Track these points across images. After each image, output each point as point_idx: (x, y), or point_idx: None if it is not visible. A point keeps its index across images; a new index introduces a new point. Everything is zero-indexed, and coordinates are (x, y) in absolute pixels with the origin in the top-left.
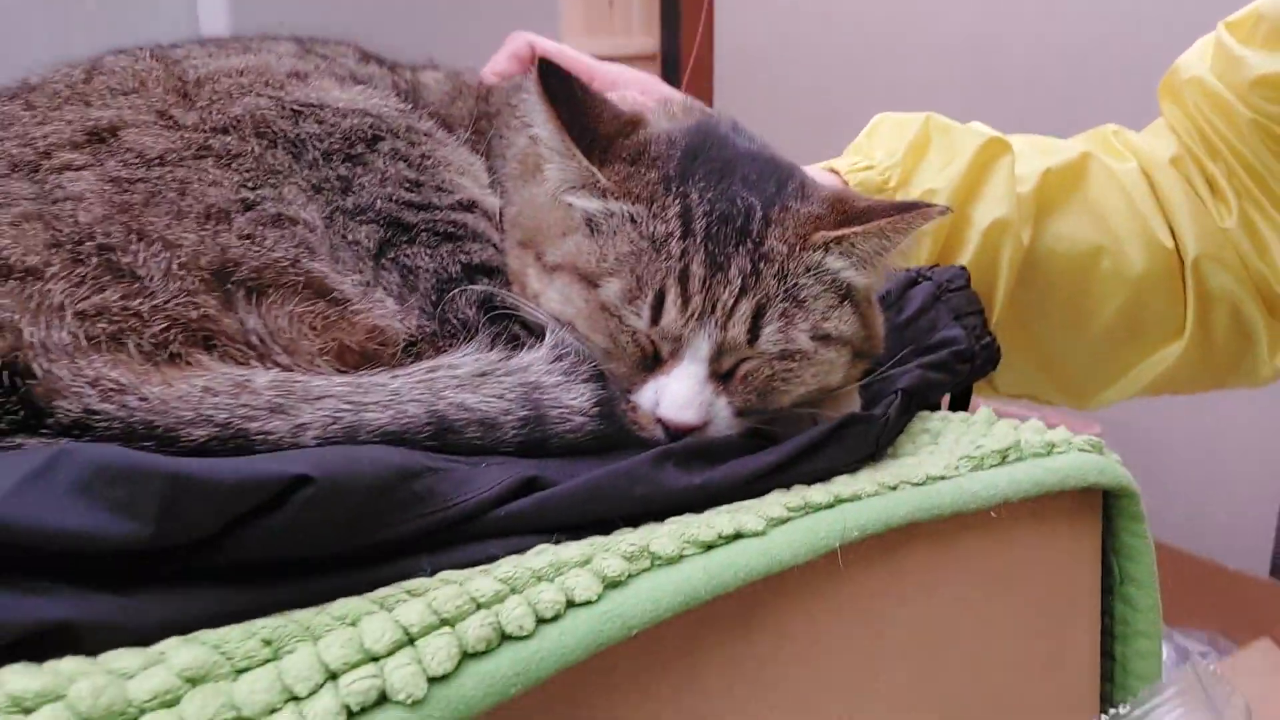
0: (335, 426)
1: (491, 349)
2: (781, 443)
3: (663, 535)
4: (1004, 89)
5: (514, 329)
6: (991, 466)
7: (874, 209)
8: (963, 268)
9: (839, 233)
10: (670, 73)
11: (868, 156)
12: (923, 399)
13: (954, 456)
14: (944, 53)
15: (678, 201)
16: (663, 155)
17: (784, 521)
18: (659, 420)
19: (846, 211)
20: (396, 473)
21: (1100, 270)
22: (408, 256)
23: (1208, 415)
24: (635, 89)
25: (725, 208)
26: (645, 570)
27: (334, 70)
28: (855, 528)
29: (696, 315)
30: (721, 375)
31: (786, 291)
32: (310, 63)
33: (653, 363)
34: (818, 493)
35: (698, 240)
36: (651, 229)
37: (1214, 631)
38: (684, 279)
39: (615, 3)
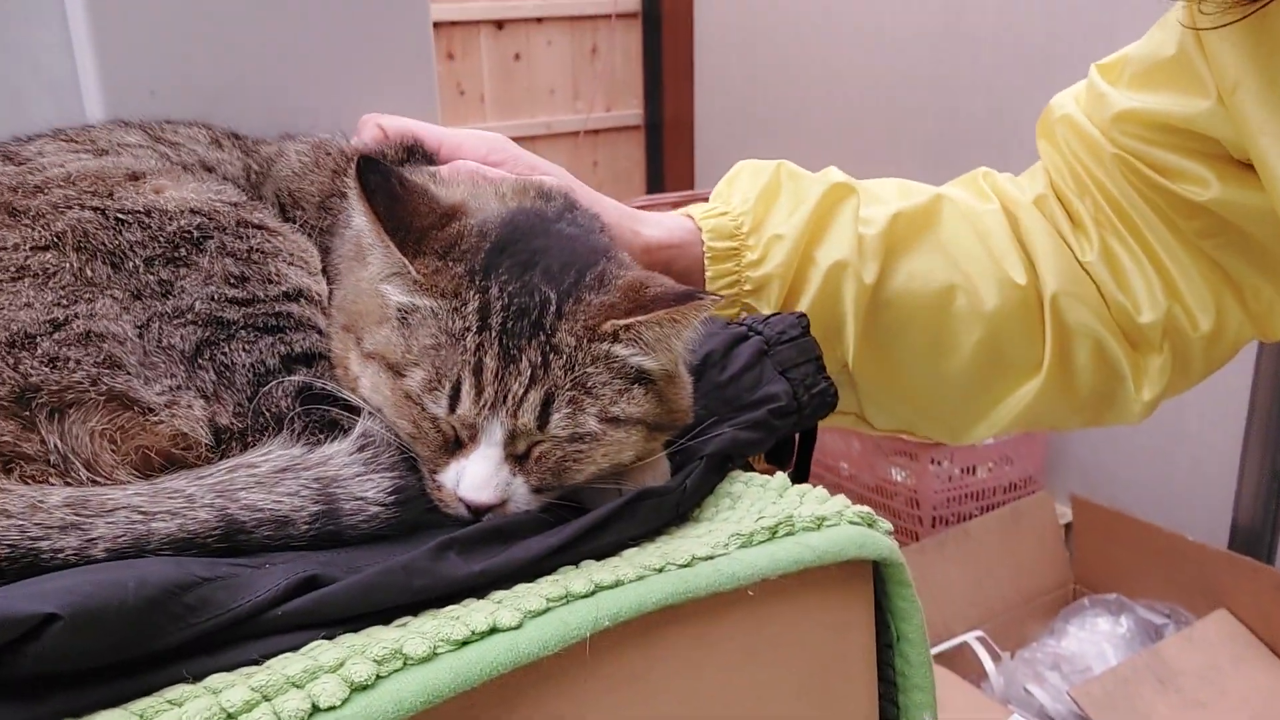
0: (124, 539)
1: (300, 441)
2: (582, 516)
3: (416, 636)
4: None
5: (332, 415)
6: (760, 543)
7: (662, 298)
8: (801, 315)
9: (625, 322)
10: (651, 28)
11: (725, 203)
12: (738, 458)
13: (725, 534)
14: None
15: (478, 296)
16: (472, 249)
17: (541, 613)
18: (460, 499)
19: (637, 300)
20: (164, 590)
21: (955, 307)
22: (224, 354)
23: None
24: (482, 151)
25: (523, 301)
26: (396, 671)
27: (182, 159)
28: (608, 617)
29: (489, 405)
30: (517, 456)
31: (574, 380)
32: (151, 159)
33: (455, 446)
34: (579, 581)
35: (493, 334)
36: (451, 323)
37: (1174, 603)
38: (478, 371)
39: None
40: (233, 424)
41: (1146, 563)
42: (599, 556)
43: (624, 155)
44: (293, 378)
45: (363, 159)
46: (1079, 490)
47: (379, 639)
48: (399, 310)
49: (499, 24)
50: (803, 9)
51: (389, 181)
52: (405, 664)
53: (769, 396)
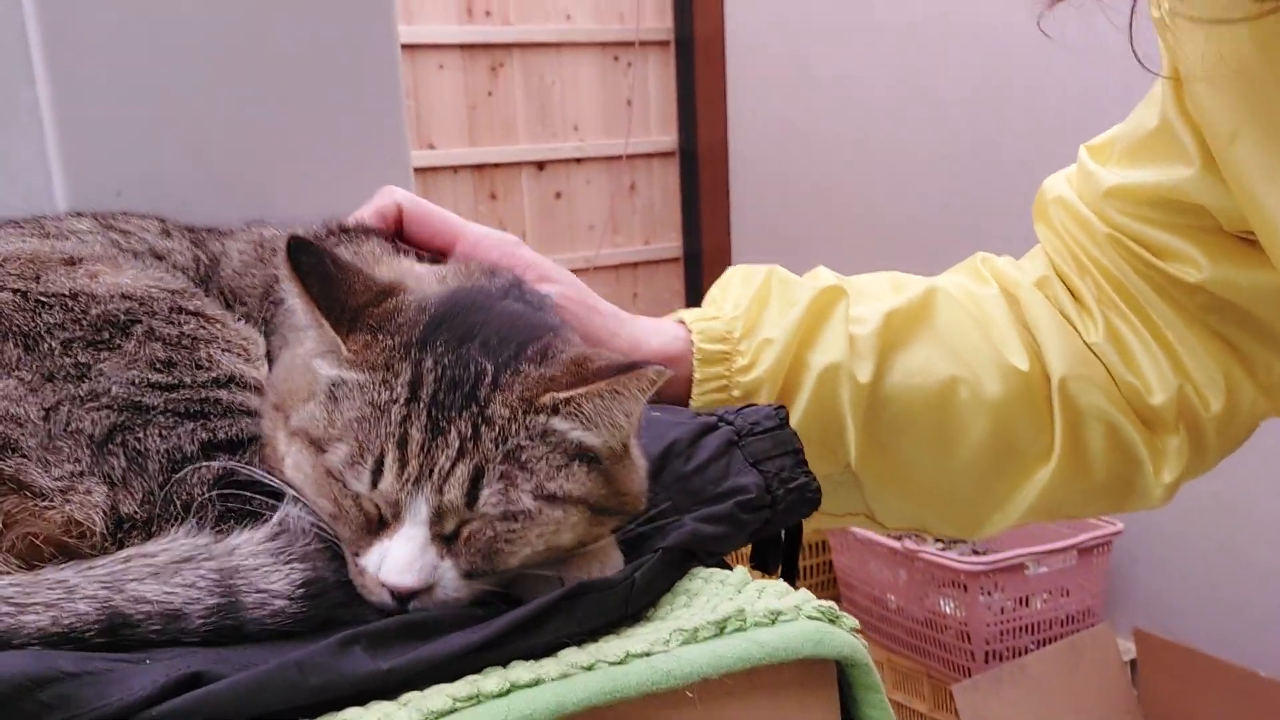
0: None
1: (211, 530)
2: (498, 616)
3: None
4: (1005, 164)
5: (254, 504)
6: (706, 639)
7: (605, 369)
8: (779, 407)
9: (564, 395)
10: (688, 165)
11: (718, 308)
12: (702, 553)
13: (668, 630)
14: (948, 129)
15: (409, 368)
16: (408, 322)
17: (446, 714)
18: (383, 584)
19: (579, 374)
20: (13, 685)
21: (959, 400)
22: (137, 440)
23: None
24: (494, 255)
25: (456, 373)
26: None
27: (132, 246)
28: (521, 718)
29: (413, 479)
30: (445, 537)
31: (507, 454)
32: (97, 244)
33: (378, 526)
34: (493, 680)
35: (421, 405)
36: (378, 396)
37: None
38: (402, 444)
39: (634, 101)
40: (137, 513)
41: (1219, 702)
42: (530, 657)
43: (664, 286)
44: (211, 464)
45: (293, 240)
46: (1142, 623)
47: None
48: (328, 385)
49: (540, 165)
50: (834, 141)
51: (322, 262)
52: None
53: (737, 488)
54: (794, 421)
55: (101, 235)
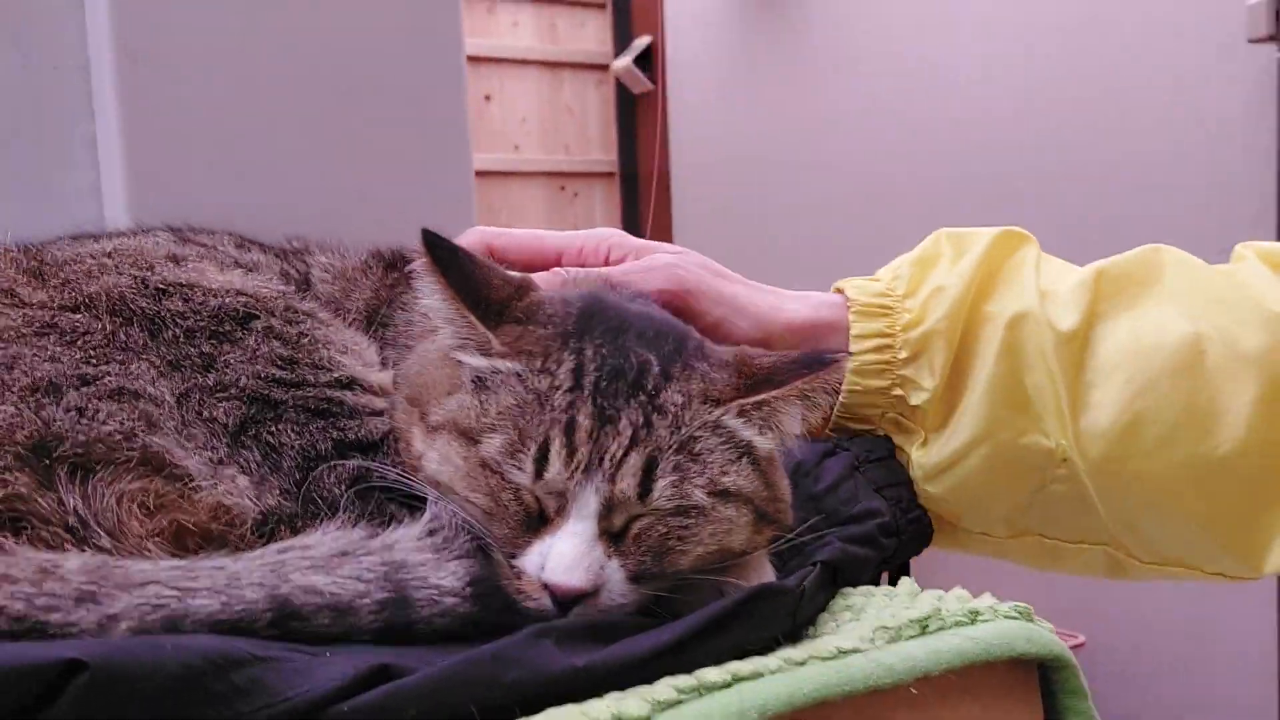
0: (154, 616)
1: (359, 526)
2: (681, 619)
3: None
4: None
5: (390, 509)
6: (910, 638)
7: (779, 367)
8: (886, 437)
9: (746, 400)
10: (629, 188)
11: (875, 279)
12: (847, 575)
13: (869, 629)
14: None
15: (571, 356)
16: (558, 314)
17: (673, 705)
18: (545, 586)
19: (751, 371)
20: (210, 660)
21: (1208, 364)
22: (271, 434)
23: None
24: (603, 252)
25: (618, 362)
26: None
27: (215, 257)
28: (754, 709)
29: (583, 467)
30: (613, 534)
31: (681, 444)
32: (189, 249)
33: (538, 523)
34: (713, 671)
35: (586, 393)
36: (538, 383)
37: None
38: (570, 430)
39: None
40: (280, 505)
41: None
42: (717, 662)
43: None
44: (347, 462)
45: (427, 232)
46: None
47: None
48: (475, 375)
49: None
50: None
51: (457, 256)
52: None
53: (872, 511)
54: (979, 390)
55: (181, 246)
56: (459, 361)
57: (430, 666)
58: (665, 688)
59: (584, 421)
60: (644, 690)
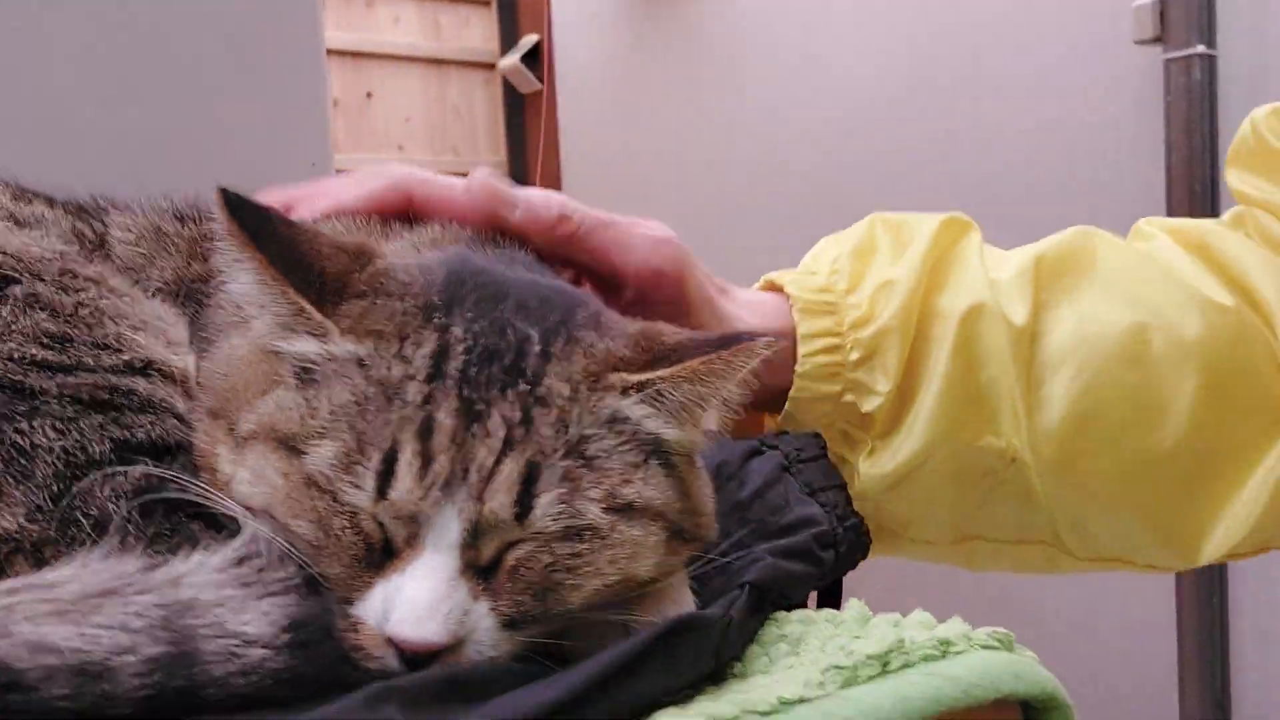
0: None
1: (131, 555)
2: (587, 661)
3: None
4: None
5: (192, 529)
6: (869, 679)
7: (687, 345)
8: (816, 434)
9: (645, 376)
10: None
11: (814, 267)
12: (779, 596)
13: (817, 668)
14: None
15: (434, 335)
16: (416, 282)
17: None
18: (390, 641)
19: (653, 347)
20: None
21: (1153, 352)
22: (20, 434)
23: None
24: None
25: (492, 341)
26: None
27: None
28: None
29: (442, 482)
30: (481, 569)
31: (570, 446)
32: None
33: (382, 557)
34: None
35: (449, 383)
36: (386, 371)
37: None
38: (425, 432)
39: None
40: (23, 528)
41: None
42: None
43: None
44: (131, 469)
45: (228, 192)
46: None
47: None
48: (301, 366)
49: None
50: None
51: (271, 220)
52: None
53: (807, 519)
54: (935, 387)
55: None
56: (278, 353)
57: None
58: None
59: (445, 421)
60: None
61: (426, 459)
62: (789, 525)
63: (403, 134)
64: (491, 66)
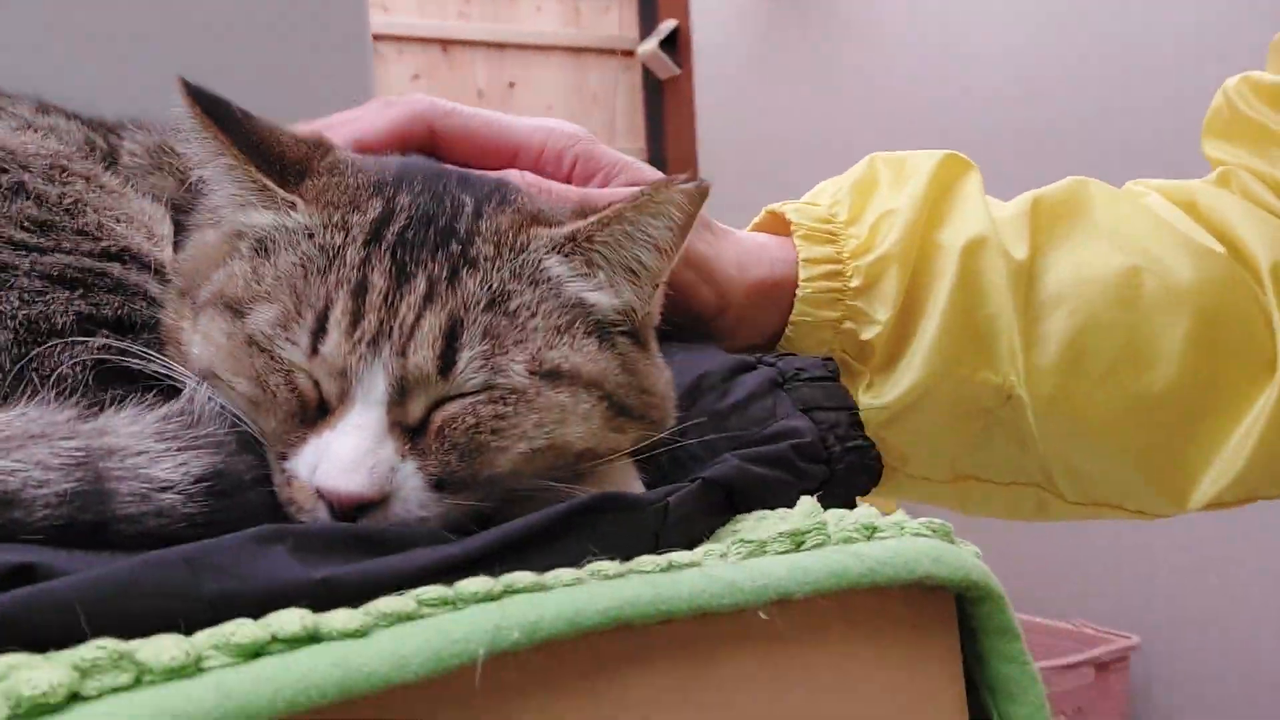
0: None
1: (67, 407)
2: (490, 529)
3: (169, 642)
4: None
5: (145, 397)
6: (778, 554)
7: (616, 198)
8: (828, 358)
9: (568, 228)
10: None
11: (814, 204)
12: (747, 499)
13: (723, 545)
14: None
15: (380, 204)
16: (372, 166)
17: (404, 619)
18: (319, 494)
19: (587, 211)
20: None
21: (1146, 295)
22: None
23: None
24: (568, 160)
25: (429, 207)
26: (118, 689)
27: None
28: (516, 627)
29: (369, 338)
30: (410, 428)
31: (491, 300)
32: None
33: (316, 414)
34: (477, 583)
35: (384, 247)
36: (330, 238)
37: None
38: (359, 292)
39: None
40: None
41: None
42: None
43: None
44: (90, 340)
45: (188, 83)
46: None
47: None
48: (257, 237)
49: None
50: None
51: (233, 110)
52: (140, 679)
53: (790, 431)
54: (936, 320)
55: None
56: (240, 233)
57: (96, 569)
58: (402, 599)
59: (378, 281)
60: (370, 605)
61: (356, 317)
62: (770, 436)
63: None
64: (630, 53)
